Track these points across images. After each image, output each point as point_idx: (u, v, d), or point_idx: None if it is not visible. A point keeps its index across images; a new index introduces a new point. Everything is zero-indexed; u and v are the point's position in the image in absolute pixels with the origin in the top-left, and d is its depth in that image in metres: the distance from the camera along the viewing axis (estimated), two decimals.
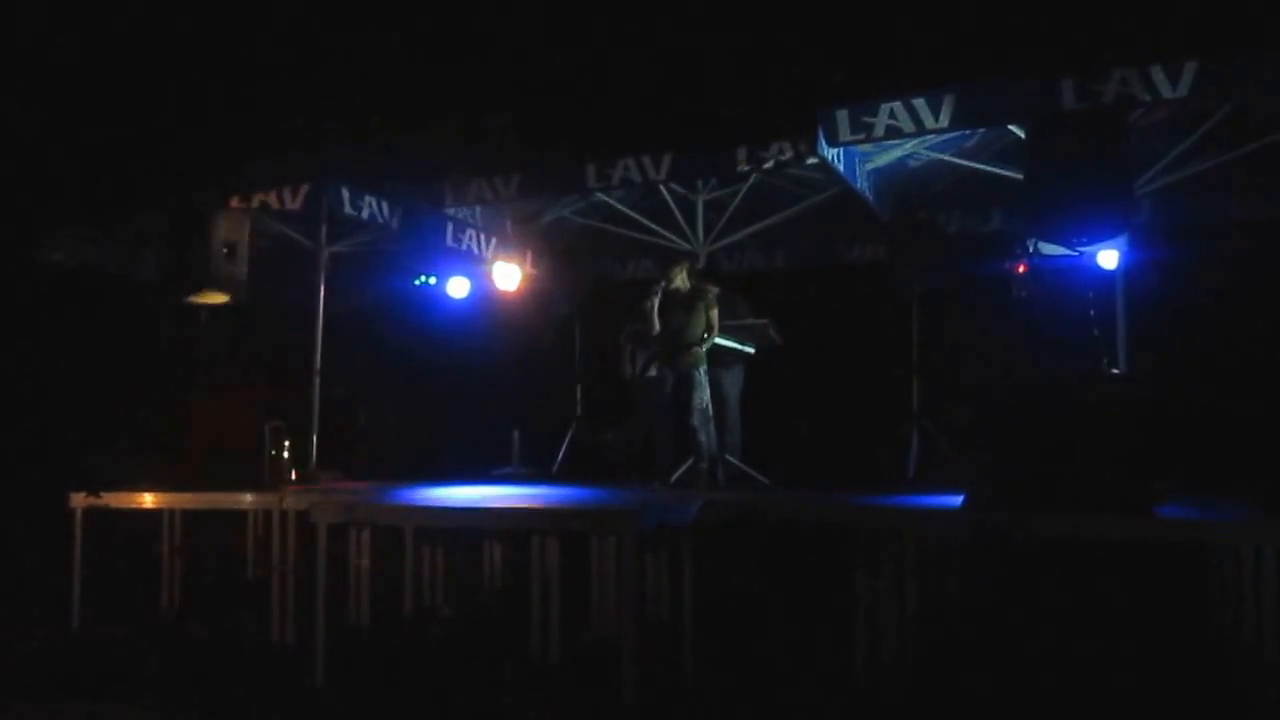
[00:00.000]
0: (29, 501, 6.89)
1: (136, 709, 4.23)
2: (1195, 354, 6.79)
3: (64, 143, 9.03)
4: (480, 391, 9.22)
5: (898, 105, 5.52)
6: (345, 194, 7.12)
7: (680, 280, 6.83)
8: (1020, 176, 5.59)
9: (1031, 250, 5.52)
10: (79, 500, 5.74)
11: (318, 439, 7.27)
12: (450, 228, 7.92)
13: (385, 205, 7.41)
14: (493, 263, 8.31)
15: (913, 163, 6.78)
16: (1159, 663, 4.09)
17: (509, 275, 8.34)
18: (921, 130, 5.59)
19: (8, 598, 6.44)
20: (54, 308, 8.65)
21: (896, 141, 6.10)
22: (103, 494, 5.74)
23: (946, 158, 6.60)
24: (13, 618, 6.00)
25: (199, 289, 6.34)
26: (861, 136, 5.69)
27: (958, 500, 4.48)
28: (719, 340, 6.99)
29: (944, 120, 5.47)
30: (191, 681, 4.76)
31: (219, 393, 6.22)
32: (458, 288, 8.68)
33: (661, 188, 7.53)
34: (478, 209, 8.01)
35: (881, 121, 5.58)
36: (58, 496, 5.82)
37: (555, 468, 8.03)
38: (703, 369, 6.74)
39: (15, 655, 5.21)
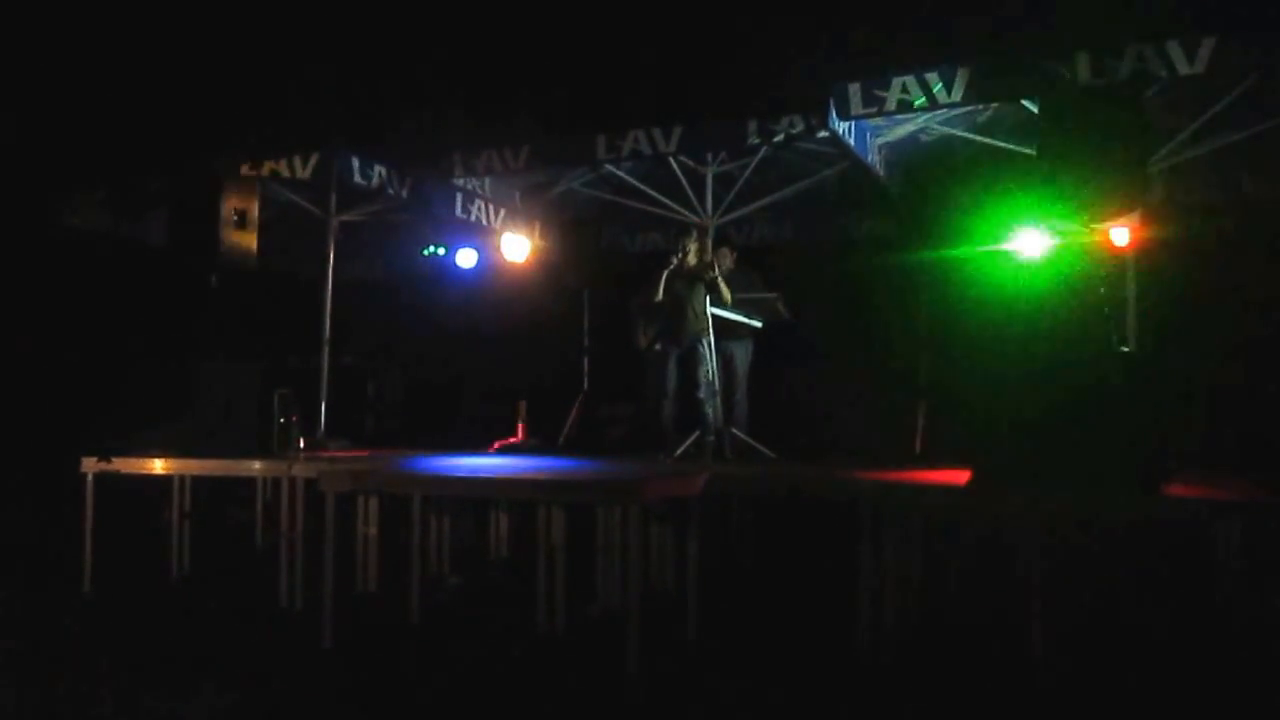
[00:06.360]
0: (40, 466, 6.95)
1: (146, 673, 4.28)
2: (1206, 332, 6.77)
3: (78, 108, 9.03)
4: (488, 362, 9.25)
5: (910, 79, 5.49)
6: (355, 163, 7.12)
7: (694, 254, 6.89)
8: (1033, 152, 5.56)
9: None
10: (90, 465, 5.79)
11: (326, 407, 7.30)
12: (459, 198, 7.91)
13: (395, 175, 7.41)
14: (501, 234, 8.30)
15: (925, 137, 6.74)
16: (1164, 639, 4.11)
17: (517, 246, 8.34)
18: (934, 104, 5.56)
19: (19, 562, 6.51)
20: (66, 272, 8.68)
21: (908, 115, 6.06)
22: (113, 459, 5.78)
23: (959, 132, 6.56)
24: (24, 582, 6.07)
25: (209, 256, 6.35)
26: (873, 110, 5.66)
27: (964, 476, 4.49)
28: (727, 314, 7.00)
29: (957, 94, 5.44)
30: (201, 645, 4.81)
31: (228, 360, 6.24)
32: (466, 258, 8.69)
33: (671, 160, 7.50)
34: (487, 180, 7.99)
35: (893, 95, 5.55)
36: (69, 461, 5.87)
37: (562, 439, 8.05)
38: (707, 341, 6.77)
39: (26, 620, 5.26)
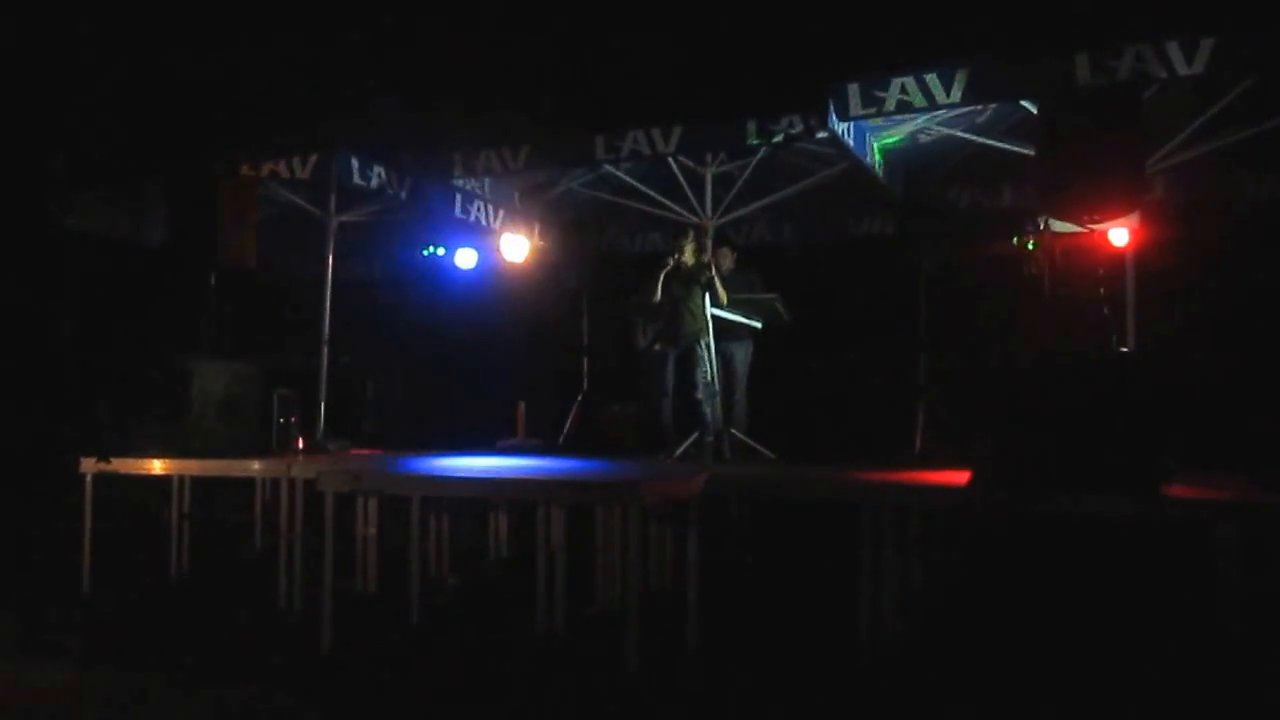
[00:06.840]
0: (39, 466, 6.95)
1: (144, 674, 4.28)
2: (1205, 332, 6.78)
3: (78, 109, 9.03)
4: (487, 363, 9.25)
5: (909, 80, 5.48)
6: (354, 163, 7.12)
7: (690, 254, 6.89)
8: (1032, 153, 5.56)
9: (1042, 227, 5.49)
10: (89, 465, 5.79)
11: (325, 408, 7.30)
12: (459, 198, 7.91)
13: (394, 175, 7.41)
14: (501, 234, 8.30)
15: (924, 138, 6.73)
16: (1163, 640, 4.11)
17: (517, 247, 8.34)
18: (933, 105, 5.55)
19: (18, 562, 6.51)
20: (66, 272, 8.68)
21: (908, 116, 6.06)
22: (112, 460, 5.78)
23: (958, 133, 6.55)
24: (23, 583, 6.06)
25: (209, 256, 6.35)
26: (872, 111, 5.66)
27: (964, 477, 4.49)
28: (726, 314, 6.99)
29: (956, 95, 5.43)
30: (199, 645, 4.81)
31: (228, 360, 6.24)
32: (465, 259, 8.68)
33: (670, 160, 7.50)
34: (486, 180, 7.99)
35: (893, 96, 5.54)
36: (68, 461, 5.86)
37: (561, 440, 8.05)
38: (706, 342, 6.77)
39: (25, 620, 5.26)
